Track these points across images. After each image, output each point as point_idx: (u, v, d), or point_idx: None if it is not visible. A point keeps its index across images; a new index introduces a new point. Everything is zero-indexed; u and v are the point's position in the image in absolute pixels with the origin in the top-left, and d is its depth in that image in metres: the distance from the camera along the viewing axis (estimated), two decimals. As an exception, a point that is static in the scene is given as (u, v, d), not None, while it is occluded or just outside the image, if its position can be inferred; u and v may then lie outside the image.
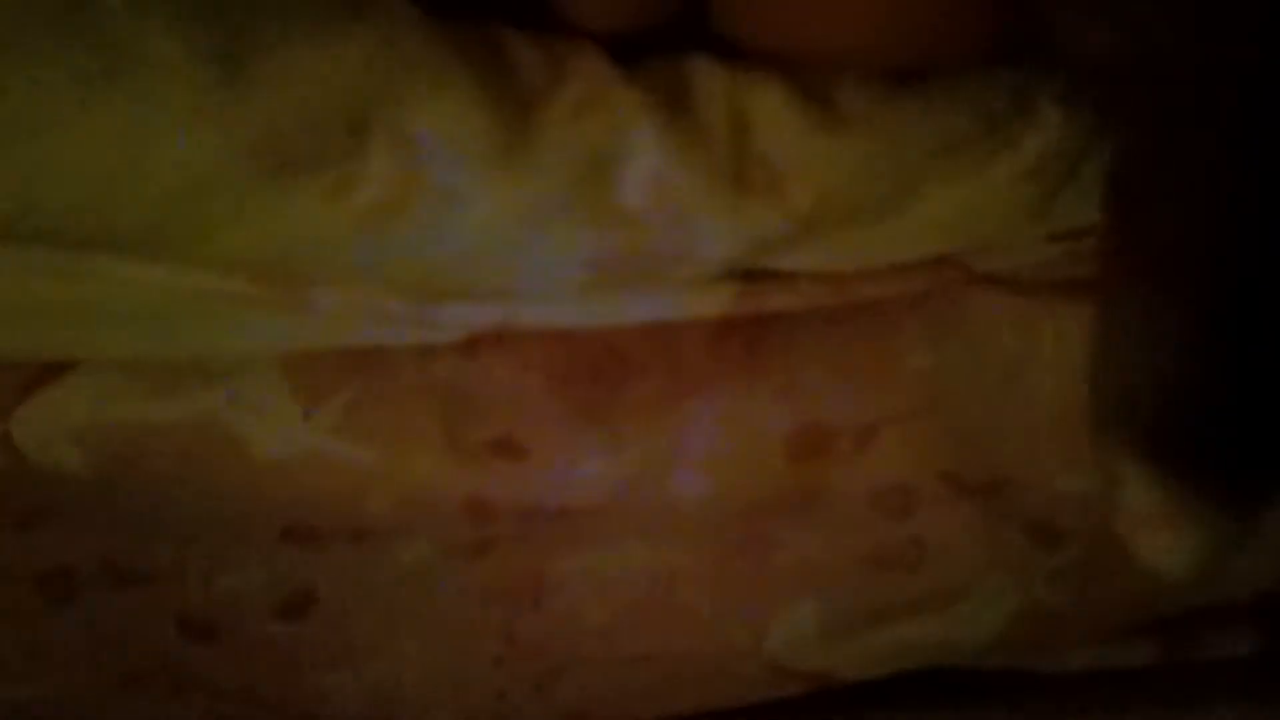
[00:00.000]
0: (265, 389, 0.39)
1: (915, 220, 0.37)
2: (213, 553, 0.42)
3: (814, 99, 0.35)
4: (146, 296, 0.35)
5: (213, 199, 0.32)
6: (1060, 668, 0.49)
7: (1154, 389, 0.31)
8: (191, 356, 0.38)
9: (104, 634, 0.43)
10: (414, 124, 0.33)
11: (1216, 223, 0.31)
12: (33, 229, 0.33)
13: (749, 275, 0.38)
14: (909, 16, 0.34)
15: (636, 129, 0.34)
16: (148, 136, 0.31)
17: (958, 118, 0.36)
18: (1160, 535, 0.31)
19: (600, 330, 0.39)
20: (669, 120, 0.34)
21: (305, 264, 0.35)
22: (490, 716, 0.45)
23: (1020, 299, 0.40)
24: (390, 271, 0.35)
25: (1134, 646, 0.49)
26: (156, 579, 0.42)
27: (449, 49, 0.33)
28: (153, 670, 0.43)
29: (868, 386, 0.41)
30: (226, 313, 0.36)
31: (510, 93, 0.33)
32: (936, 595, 0.43)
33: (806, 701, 0.46)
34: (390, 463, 0.40)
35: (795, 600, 0.44)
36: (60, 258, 0.34)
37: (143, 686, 0.43)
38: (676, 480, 0.41)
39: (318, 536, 0.42)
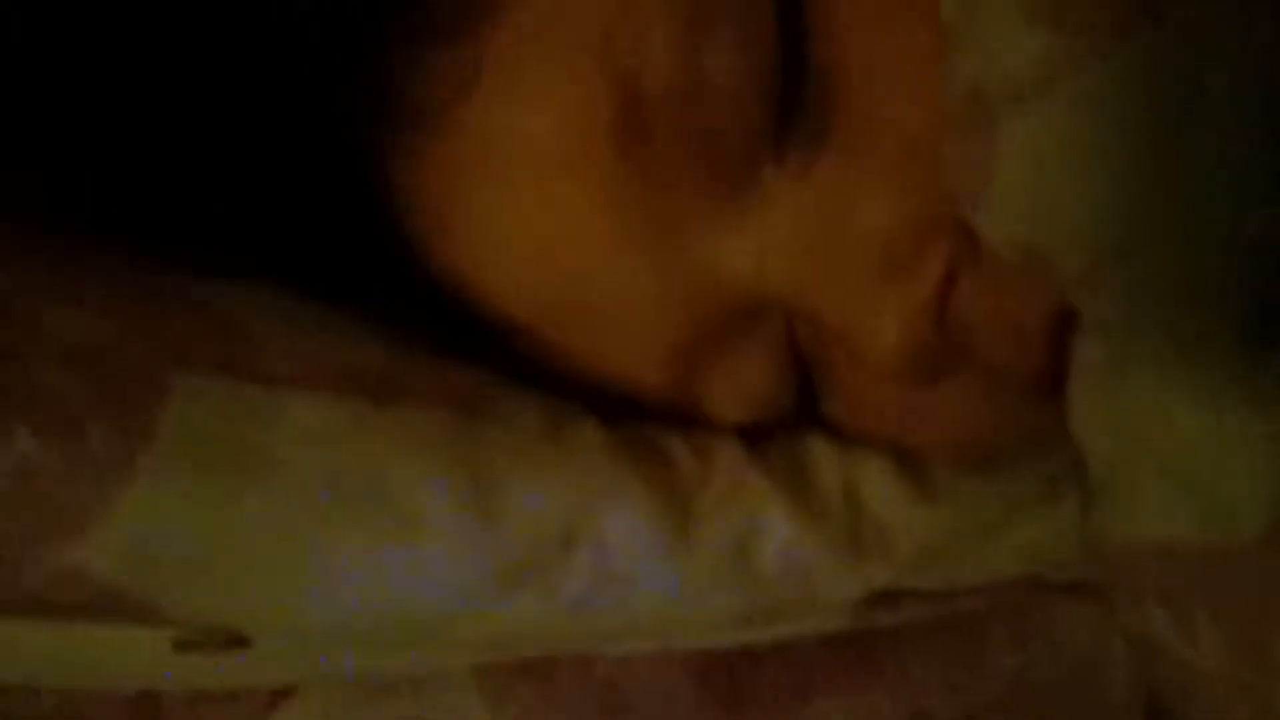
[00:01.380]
0: (459, 696, 0.46)
1: (997, 553, 0.44)
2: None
3: (909, 472, 0.43)
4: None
5: (454, 612, 0.40)
6: None
7: None
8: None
9: None
10: (605, 531, 0.40)
11: None
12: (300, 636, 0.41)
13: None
14: (990, 429, 0.42)
15: (770, 511, 0.42)
16: (420, 577, 0.39)
17: (1024, 483, 0.43)
18: None
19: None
20: (795, 499, 0.42)
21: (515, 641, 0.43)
22: None
23: (1092, 605, 0.47)
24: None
25: None
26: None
27: (626, 461, 0.41)
28: None
29: (966, 682, 0.48)
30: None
31: (672, 491, 0.41)
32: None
33: None
34: None
35: None
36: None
37: None
38: None
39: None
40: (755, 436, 0.44)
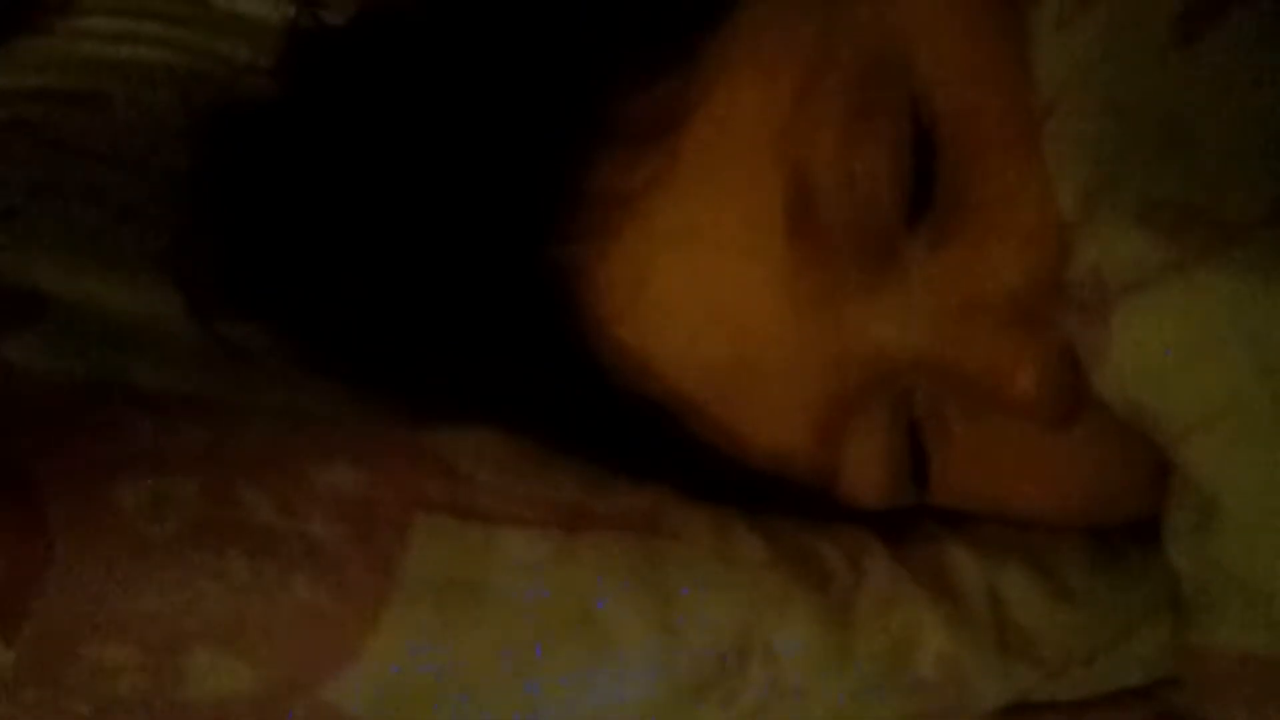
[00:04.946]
0: None
1: (1132, 656, 0.46)
2: None
3: (1045, 575, 0.46)
4: None
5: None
6: None
7: None
8: None
9: None
10: (774, 643, 0.43)
11: None
12: None
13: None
14: (1103, 491, 0.44)
15: (925, 619, 0.44)
16: (618, 691, 0.42)
17: (1154, 586, 0.46)
18: None
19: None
20: (946, 609, 0.45)
21: None
22: None
23: None
24: None
25: None
26: None
27: (788, 573, 0.44)
28: None
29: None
30: None
31: (831, 601, 0.44)
32: None
33: None
34: None
35: None
36: None
37: None
38: None
39: None
40: (891, 540, 0.47)
